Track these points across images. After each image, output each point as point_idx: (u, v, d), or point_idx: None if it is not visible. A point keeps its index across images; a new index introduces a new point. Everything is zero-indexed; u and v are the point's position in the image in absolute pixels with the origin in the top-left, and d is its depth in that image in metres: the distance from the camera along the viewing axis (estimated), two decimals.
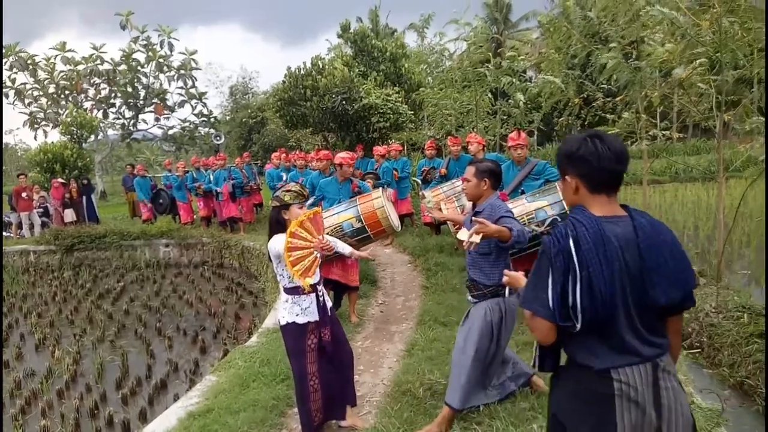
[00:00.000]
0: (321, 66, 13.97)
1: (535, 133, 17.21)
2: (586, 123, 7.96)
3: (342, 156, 5.72)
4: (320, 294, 3.39)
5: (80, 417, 5.27)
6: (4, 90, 23.73)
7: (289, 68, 14.13)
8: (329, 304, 3.50)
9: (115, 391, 5.89)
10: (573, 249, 1.70)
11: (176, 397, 5.20)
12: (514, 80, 10.53)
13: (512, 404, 3.53)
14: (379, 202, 5.66)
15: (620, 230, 1.75)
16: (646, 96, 5.94)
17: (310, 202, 6.14)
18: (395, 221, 5.76)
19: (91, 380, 6.19)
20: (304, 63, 14.09)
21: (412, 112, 14.19)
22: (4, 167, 52.00)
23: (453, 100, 12.11)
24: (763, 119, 5.01)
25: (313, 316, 3.32)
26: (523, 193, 5.58)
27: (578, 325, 1.71)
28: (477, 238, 3.03)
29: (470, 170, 3.43)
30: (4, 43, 23.45)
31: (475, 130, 11.52)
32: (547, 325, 1.74)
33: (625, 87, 6.80)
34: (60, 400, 5.77)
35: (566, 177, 1.86)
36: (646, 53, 5.66)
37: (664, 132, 6.28)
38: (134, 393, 5.83)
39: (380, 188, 5.91)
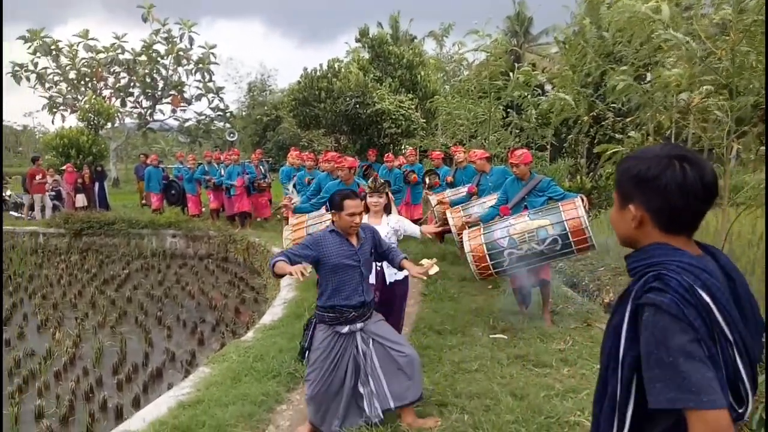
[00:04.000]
0: (337, 69, 14.09)
1: (549, 148, 17.19)
2: (595, 141, 7.97)
3: (350, 160, 5.83)
4: (378, 264, 4.17)
5: (75, 399, 5.37)
6: (26, 73, 24.12)
7: (305, 69, 14.29)
8: (388, 273, 4.26)
9: (111, 376, 5.98)
10: (711, 304, 1.26)
11: (170, 386, 5.27)
12: (527, 95, 10.58)
13: (497, 416, 3.56)
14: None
15: (719, 275, 1.36)
16: (655, 118, 5.96)
17: (314, 200, 6.25)
18: None
19: (88, 364, 6.28)
20: (321, 65, 14.25)
21: (425, 120, 14.27)
22: (21, 149, 52.76)
23: (467, 110, 12.17)
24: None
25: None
26: (526, 208, 5.62)
27: (749, 406, 1.30)
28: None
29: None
30: (29, 29, 23.88)
31: (486, 141, 11.58)
32: (728, 417, 1.21)
33: (637, 108, 6.81)
34: (57, 381, 5.87)
35: (629, 205, 1.40)
36: (657, 75, 5.68)
37: None
38: (130, 379, 5.92)
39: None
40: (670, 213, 1.34)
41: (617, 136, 6.91)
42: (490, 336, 5.16)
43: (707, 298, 1.26)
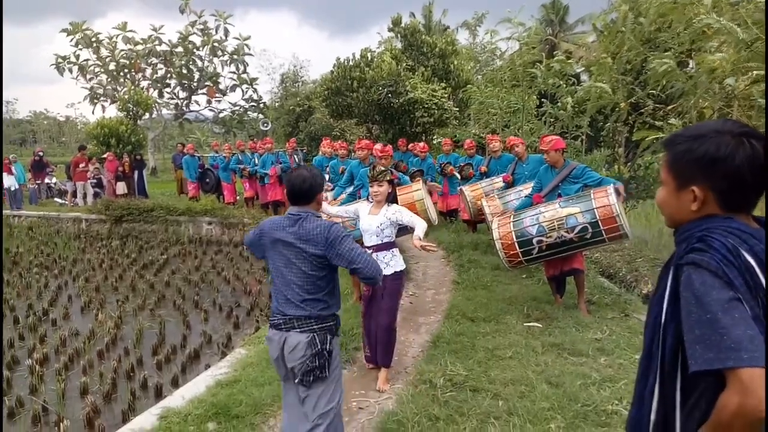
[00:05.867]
0: (370, 58, 14.08)
1: (583, 138, 16.84)
2: (634, 129, 7.77)
3: (376, 147, 5.82)
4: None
5: (117, 378, 5.56)
6: (68, 65, 24.86)
7: (338, 59, 14.34)
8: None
9: (151, 356, 6.16)
10: (756, 267, 1.22)
11: (207, 367, 5.40)
12: (561, 83, 10.39)
13: (532, 402, 3.54)
14: (419, 194, 5.73)
15: None
16: (698, 105, 5.78)
17: (350, 190, 6.27)
18: (433, 214, 5.81)
19: (129, 345, 6.49)
20: (354, 54, 14.26)
21: (458, 109, 14.15)
22: (64, 139, 54.57)
23: (500, 99, 12.02)
24: None
25: None
26: (559, 196, 5.53)
27: None
28: None
29: None
30: (71, 21, 24.57)
31: (520, 131, 11.42)
32: None
33: (679, 96, 6.62)
34: (100, 360, 6.09)
35: (692, 187, 1.34)
36: (699, 61, 5.51)
37: None
38: (169, 360, 6.09)
39: (420, 181, 5.98)
40: (738, 192, 1.30)
41: (657, 123, 6.71)
42: (525, 324, 5.12)
43: (752, 261, 1.22)
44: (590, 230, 4.99)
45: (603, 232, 5.00)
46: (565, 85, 10.62)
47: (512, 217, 5.47)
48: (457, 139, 18.23)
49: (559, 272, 5.61)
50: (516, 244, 5.25)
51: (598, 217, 4.96)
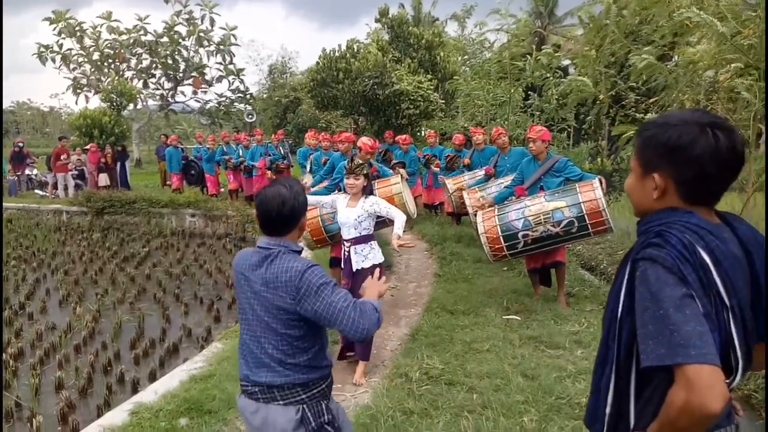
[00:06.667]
0: (356, 49, 13.98)
1: (571, 131, 16.81)
2: (615, 122, 7.78)
3: (363, 140, 5.76)
4: (346, 249, 4.21)
5: (93, 372, 5.48)
6: (51, 55, 24.43)
7: (324, 50, 14.24)
8: (354, 261, 4.17)
9: (129, 350, 6.09)
10: (711, 264, 1.22)
11: (186, 361, 5.36)
12: (549, 75, 10.38)
13: (506, 396, 3.53)
14: (398, 187, 5.68)
15: (731, 244, 1.31)
16: (679, 98, 5.79)
17: (327, 183, 6.20)
18: (412, 208, 5.77)
19: (107, 338, 6.41)
20: (339, 45, 14.16)
21: (444, 101, 14.10)
22: (48, 129, 53.79)
23: (486, 91, 11.99)
24: None
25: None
26: (542, 189, 5.52)
27: (737, 378, 1.26)
28: None
29: None
30: (54, 9, 24.14)
31: (506, 123, 11.40)
32: (721, 377, 1.14)
33: (662, 89, 6.63)
34: (76, 354, 6.00)
35: (653, 174, 1.33)
36: (680, 53, 5.51)
37: None
38: (147, 354, 6.02)
39: (398, 174, 5.93)
40: (699, 183, 1.27)
41: (638, 116, 6.72)
42: (504, 317, 5.12)
43: (707, 258, 1.21)
44: (576, 224, 4.99)
45: (589, 226, 5.00)
46: (552, 78, 10.62)
47: (497, 210, 5.45)
48: (445, 131, 18.23)
49: (540, 265, 5.62)
50: (501, 238, 5.23)
51: (584, 211, 4.96)
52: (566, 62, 14.69)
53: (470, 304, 5.48)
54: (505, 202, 5.72)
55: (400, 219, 4.05)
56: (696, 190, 1.30)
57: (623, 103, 6.80)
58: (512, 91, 11.27)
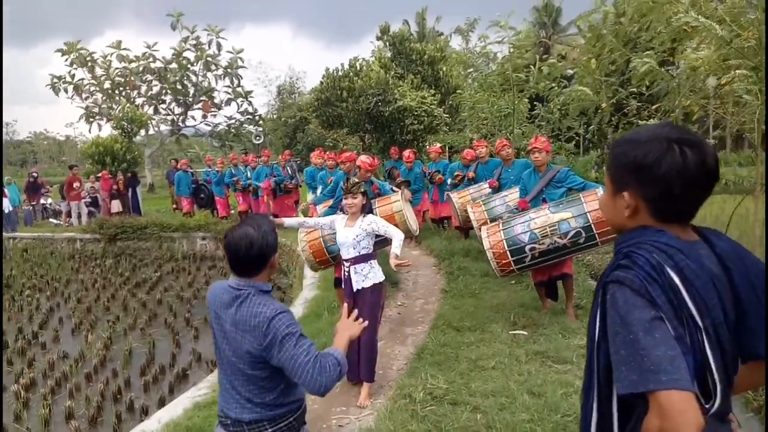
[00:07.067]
0: (358, 67, 14.09)
1: (580, 141, 16.64)
2: (618, 130, 7.72)
3: (362, 159, 5.78)
4: (346, 269, 4.16)
5: (103, 400, 5.52)
6: (64, 85, 24.97)
7: (327, 69, 14.37)
8: (355, 280, 4.12)
9: (139, 377, 6.12)
10: (680, 285, 1.18)
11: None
12: (553, 86, 10.35)
13: (511, 414, 3.47)
14: (398, 205, 5.68)
15: (706, 261, 1.26)
16: (681, 104, 5.73)
17: (330, 203, 6.21)
18: (413, 225, 5.76)
19: (118, 366, 6.45)
20: (342, 64, 14.29)
21: (448, 115, 14.13)
22: (64, 158, 54.81)
23: (490, 104, 11.97)
24: None
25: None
26: (545, 201, 5.47)
27: (717, 401, 1.21)
28: None
29: None
30: (66, 41, 24.71)
31: (511, 135, 11.37)
32: (694, 404, 1.10)
33: (665, 95, 6.57)
34: (87, 383, 6.05)
35: (623, 193, 1.30)
36: (681, 59, 5.46)
37: None
38: (156, 380, 6.05)
39: (399, 191, 5.92)
40: (668, 202, 1.24)
41: (641, 123, 6.67)
42: (510, 332, 5.05)
43: (676, 279, 1.18)
44: (584, 235, 4.94)
45: (596, 236, 4.94)
46: (557, 88, 10.59)
47: (501, 225, 5.39)
48: (452, 144, 18.25)
49: (547, 278, 5.55)
50: (508, 253, 5.16)
51: (591, 221, 4.90)
52: (572, 71, 14.63)
53: (477, 320, 5.41)
54: (509, 215, 5.68)
55: (398, 238, 4.03)
56: (664, 209, 1.26)
57: (625, 110, 6.74)
58: (516, 102, 11.24)
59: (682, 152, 1.21)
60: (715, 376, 1.19)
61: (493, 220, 6.32)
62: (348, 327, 2.13)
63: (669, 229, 1.27)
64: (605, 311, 1.25)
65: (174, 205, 15.53)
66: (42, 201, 16.70)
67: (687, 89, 6.25)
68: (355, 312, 2.24)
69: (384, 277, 4.30)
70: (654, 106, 6.57)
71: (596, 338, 1.29)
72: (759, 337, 1.26)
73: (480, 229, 6.48)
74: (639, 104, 6.70)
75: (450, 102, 13.83)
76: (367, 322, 2.23)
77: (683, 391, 1.08)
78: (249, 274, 2.00)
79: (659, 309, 1.15)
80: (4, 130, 63.89)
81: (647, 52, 6.18)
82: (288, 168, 12.74)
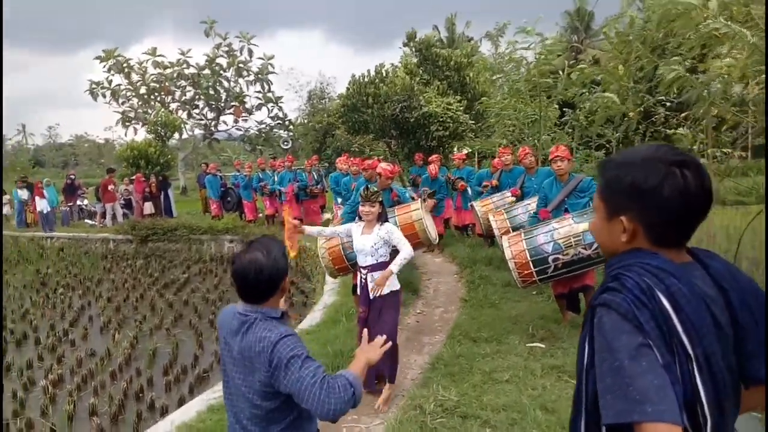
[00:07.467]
0: (384, 74, 14.15)
1: (612, 149, 16.24)
2: (645, 138, 7.54)
3: (382, 167, 5.80)
4: (363, 276, 4.18)
5: (126, 399, 5.65)
6: (102, 90, 25.80)
7: (353, 75, 14.47)
8: (371, 288, 4.11)
9: (161, 377, 6.25)
10: (671, 310, 1.14)
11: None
12: (584, 91, 10.17)
13: (521, 431, 3.42)
14: (418, 213, 5.66)
15: (700, 283, 1.21)
16: (709, 112, 5.55)
17: (347, 209, 6.24)
18: (433, 233, 5.73)
19: (142, 365, 6.61)
20: (368, 70, 14.37)
21: (473, 122, 14.03)
22: (102, 161, 56.55)
23: (516, 110, 11.84)
24: None
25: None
26: (567, 211, 5.38)
27: None
28: None
29: None
30: (105, 48, 25.56)
31: (538, 142, 11.22)
32: None
33: (694, 103, 6.37)
34: (112, 380, 6.20)
35: (620, 218, 1.24)
36: (706, 68, 5.30)
37: (725, 151, 5.83)
38: (178, 380, 6.17)
39: (419, 200, 5.91)
40: (668, 227, 1.20)
41: (669, 132, 6.50)
42: (527, 345, 4.97)
43: (666, 304, 1.13)
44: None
45: None
46: (588, 93, 10.40)
47: (524, 234, 5.32)
48: (480, 149, 18.09)
49: (568, 290, 5.45)
50: (530, 263, 5.09)
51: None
52: (600, 77, 14.35)
53: (494, 331, 5.36)
54: (531, 225, 5.60)
55: (405, 253, 4.04)
56: (663, 233, 1.22)
57: (653, 119, 6.58)
58: (544, 108, 11.08)
59: (683, 175, 1.17)
60: (706, 409, 1.13)
61: (515, 228, 6.25)
62: (367, 351, 2.03)
63: (663, 251, 1.23)
64: (593, 335, 1.21)
65: (204, 208, 15.89)
66: (78, 202, 17.27)
67: (719, 97, 6.06)
68: (379, 338, 2.09)
69: (399, 285, 4.30)
70: (683, 114, 6.38)
71: (585, 363, 1.25)
72: (759, 360, 1.22)
73: (501, 237, 6.42)
74: (667, 113, 6.52)
75: (477, 108, 13.74)
76: (390, 343, 2.14)
77: (668, 424, 1.04)
78: (258, 300, 1.93)
79: (647, 335, 1.11)
80: (47, 133, 66.28)
81: (674, 58, 6.02)
82: (314, 173, 12.90)
